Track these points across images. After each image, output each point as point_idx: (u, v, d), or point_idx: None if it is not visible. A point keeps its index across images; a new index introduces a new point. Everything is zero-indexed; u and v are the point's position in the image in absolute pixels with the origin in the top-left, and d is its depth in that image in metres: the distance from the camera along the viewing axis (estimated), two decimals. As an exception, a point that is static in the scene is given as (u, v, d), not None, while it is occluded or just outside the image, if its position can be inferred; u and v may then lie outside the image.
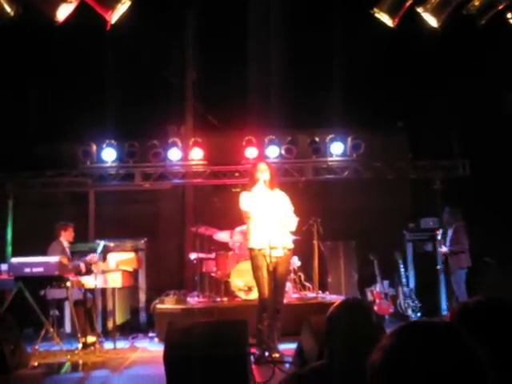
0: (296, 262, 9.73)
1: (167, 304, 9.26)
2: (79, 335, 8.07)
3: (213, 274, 9.90)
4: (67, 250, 9.12)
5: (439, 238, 10.03)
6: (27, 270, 7.72)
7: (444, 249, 9.78)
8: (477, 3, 7.27)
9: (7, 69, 9.60)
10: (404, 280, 10.39)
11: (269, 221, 6.78)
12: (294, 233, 7.23)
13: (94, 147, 11.11)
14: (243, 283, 9.30)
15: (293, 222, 6.99)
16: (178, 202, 12.13)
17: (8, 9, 6.70)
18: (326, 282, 10.66)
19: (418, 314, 10.10)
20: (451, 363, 1.25)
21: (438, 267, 10.05)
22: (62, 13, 6.57)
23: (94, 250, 8.79)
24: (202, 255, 10.00)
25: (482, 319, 1.90)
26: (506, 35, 7.91)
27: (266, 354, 6.58)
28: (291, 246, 7.03)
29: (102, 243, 8.73)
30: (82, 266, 8.46)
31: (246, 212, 6.94)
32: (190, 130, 11.68)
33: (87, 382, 6.69)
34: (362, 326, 2.46)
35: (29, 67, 10.15)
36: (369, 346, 1.42)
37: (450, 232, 9.84)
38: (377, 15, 7.33)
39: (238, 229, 9.55)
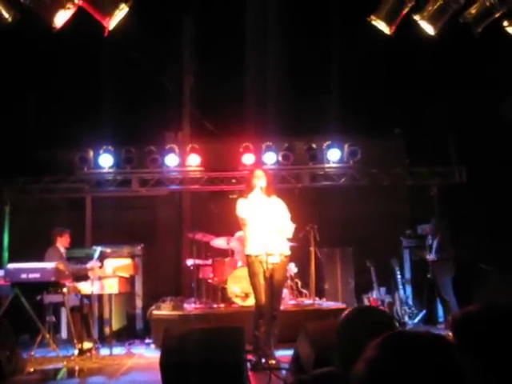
0: (293, 268, 9.73)
1: (164, 310, 9.25)
2: (75, 341, 8.05)
3: (209, 281, 9.90)
4: (64, 256, 9.10)
5: (428, 244, 10.16)
6: (24, 275, 7.71)
7: (432, 256, 9.91)
8: (473, 11, 7.30)
9: (5, 74, 9.60)
10: (401, 287, 10.39)
11: (266, 227, 6.78)
12: (290, 239, 7.24)
13: (91, 153, 11.10)
14: (240, 290, 9.30)
15: (289, 228, 7.00)
16: (175, 208, 12.12)
17: (6, 14, 6.72)
18: (323, 288, 10.65)
19: (415, 321, 10.10)
20: (434, 375, 1.24)
21: (428, 276, 10.11)
22: (60, 19, 6.60)
23: (90, 256, 8.78)
24: (198, 261, 9.99)
25: (486, 327, 1.89)
26: (502, 43, 7.95)
27: (263, 360, 6.56)
28: (288, 252, 7.03)
29: (98, 249, 8.72)
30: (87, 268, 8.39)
31: (243, 219, 6.94)
32: (187, 136, 11.69)
33: (83, 388, 6.70)
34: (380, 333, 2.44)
35: (26, 73, 10.14)
36: None
37: (435, 241, 9.98)
38: (374, 23, 7.36)
39: (237, 234, 9.54)
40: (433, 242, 10.12)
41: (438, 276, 9.92)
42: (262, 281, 6.71)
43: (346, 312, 2.65)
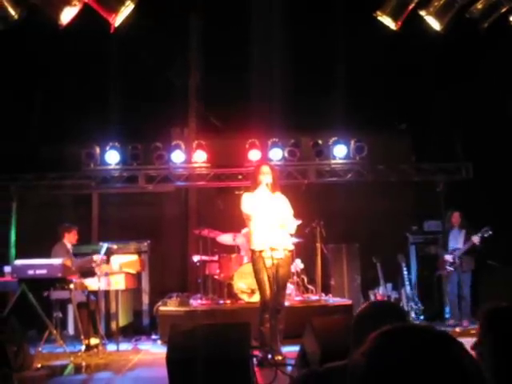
0: (299, 264, 9.74)
1: (170, 306, 9.27)
2: (82, 337, 8.08)
3: (216, 277, 9.91)
4: (71, 252, 9.12)
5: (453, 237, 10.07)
6: (31, 272, 7.73)
7: (476, 240, 9.57)
8: (480, 6, 7.28)
9: (11, 70, 9.63)
10: (407, 283, 10.37)
11: (270, 223, 6.80)
12: (296, 235, 7.28)
13: (98, 149, 11.10)
14: (246, 286, 9.30)
15: (292, 225, 7.03)
16: (182, 205, 12.14)
17: (12, 12, 6.74)
18: (329, 284, 10.64)
19: (421, 317, 10.07)
20: (435, 369, 1.22)
21: (452, 268, 9.93)
22: (66, 16, 6.61)
23: (97, 252, 8.79)
24: (205, 257, 10.00)
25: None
26: (508, 38, 7.93)
27: (269, 356, 6.58)
28: (291, 247, 7.08)
29: (105, 245, 8.72)
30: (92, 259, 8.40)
31: (248, 214, 6.96)
32: (194, 133, 11.69)
33: (90, 384, 6.72)
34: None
35: (32, 69, 10.17)
36: None
37: (462, 234, 9.86)
38: (380, 18, 7.35)
39: (244, 231, 9.53)
40: (459, 235, 9.97)
41: (465, 268, 9.78)
42: (266, 276, 6.73)
43: (361, 307, 2.67)
